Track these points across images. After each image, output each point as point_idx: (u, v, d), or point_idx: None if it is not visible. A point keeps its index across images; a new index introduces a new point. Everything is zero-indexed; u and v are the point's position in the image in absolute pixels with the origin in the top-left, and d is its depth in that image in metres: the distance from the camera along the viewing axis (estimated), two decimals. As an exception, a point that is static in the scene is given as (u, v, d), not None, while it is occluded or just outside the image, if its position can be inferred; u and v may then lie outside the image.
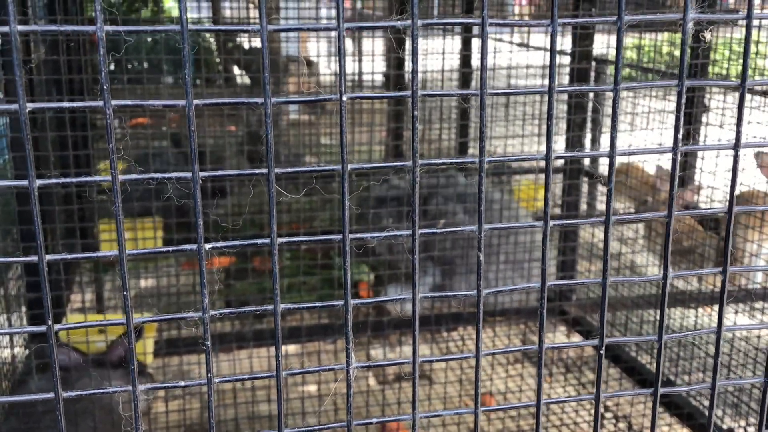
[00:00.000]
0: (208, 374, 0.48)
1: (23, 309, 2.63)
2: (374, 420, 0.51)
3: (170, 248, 0.46)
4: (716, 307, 2.67)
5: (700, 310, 2.88)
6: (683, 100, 0.48)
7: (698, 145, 0.51)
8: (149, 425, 2.37)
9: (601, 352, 0.53)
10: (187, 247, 0.46)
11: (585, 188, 4.18)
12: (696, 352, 2.73)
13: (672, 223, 0.50)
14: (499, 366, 2.97)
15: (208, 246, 0.46)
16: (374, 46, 4.05)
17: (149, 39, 6.00)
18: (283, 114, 5.20)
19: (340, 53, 0.45)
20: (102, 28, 0.42)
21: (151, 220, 3.22)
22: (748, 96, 2.59)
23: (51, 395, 0.47)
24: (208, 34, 6.12)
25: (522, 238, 3.09)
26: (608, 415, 2.85)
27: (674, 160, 0.49)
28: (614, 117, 0.48)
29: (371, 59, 3.52)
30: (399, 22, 0.45)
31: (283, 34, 5.25)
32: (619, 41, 0.47)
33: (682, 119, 0.49)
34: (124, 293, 0.45)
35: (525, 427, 2.71)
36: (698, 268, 3.18)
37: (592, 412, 2.82)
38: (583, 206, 4.33)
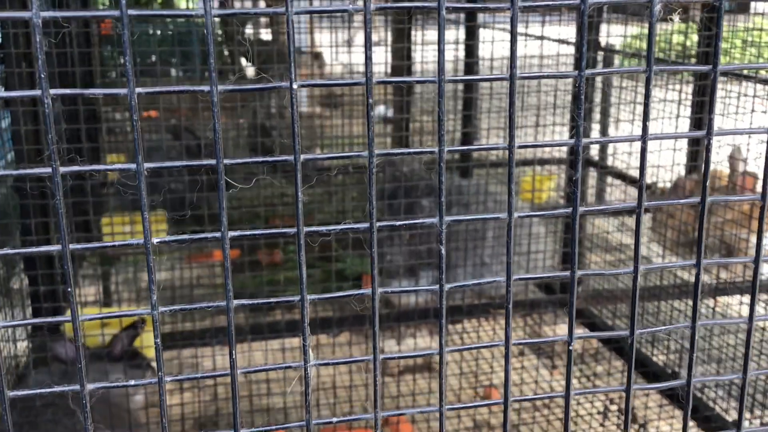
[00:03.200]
0: (159, 373, 0.46)
1: (25, 303, 2.63)
2: (333, 420, 0.49)
3: (115, 243, 0.45)
4: (723, 299, 2.64)
5: (706, 301, 2.85)
6: (651, 86, 0.46)
7: (668, 133, 0.49)
8: (147, 418, 2.37)
9: (571, 348, 0.51)
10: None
11: (592, 180, 4.15)
12: (701, 344, 2.71)
13: (642, 213, 0.48)
14: (502, 358, 2.95)
15: (155, 240, 0.45)
16: (378, 36, 4.03)
17: (158, 32, 5.99)
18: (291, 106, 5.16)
19: (290, 38, 0.43)
20: (38, 14, 0.40)
21: (154, 214, 3.21)
22: (756, 86, 2.54)
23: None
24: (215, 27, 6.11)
25: (526, 230, 3.07)
26: (613, 407, 2.83)
27: (643, 149, 0.47)
28: (579, 104, 0.46)
29: (379, 49, 3.49)
30: (351, 6, 0.44)
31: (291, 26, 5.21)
32: (583, 24, 0.45)
33: (650, 105, 0.47)
34: (69, 289, 0.43)
35: (528, 419, 2.69)
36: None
37: (596, 404, 2.80)
38: (590, 198, 4.29)
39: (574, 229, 0.49)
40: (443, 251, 0.48)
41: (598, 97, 3.91)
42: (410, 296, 2.98)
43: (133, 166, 0.43)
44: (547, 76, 0.47)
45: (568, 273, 0.51)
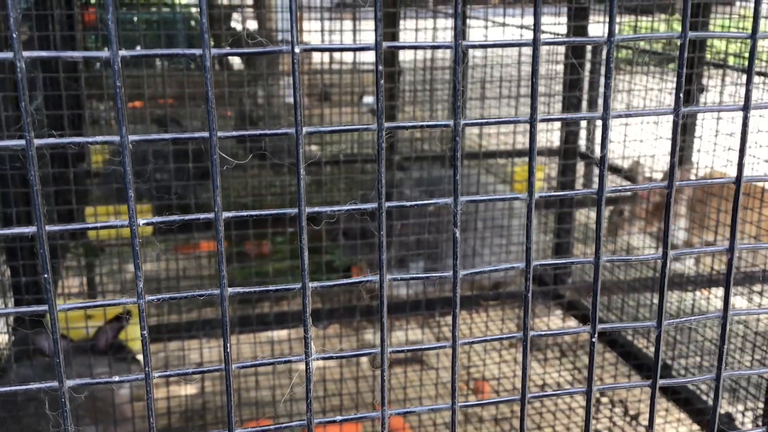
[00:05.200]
0: (146, 368, 0.42)
1: (7, 294, 2.57)
2: (338, 418, 0.45)
3: (97, 225, 0.40)
4: (714, 290, 2.62)
5: (698, 292, 2.83)
6: (686, 54, 0.43)
7: (702, 107, 0.45)
8: (133, 412, 2.32)
9: (593, 339, 0.47)
10: (112, 223, 0.40)
11: (581, 170, 4.12)
12: (693, 336, 2.68)
13: (673, 193, 0.44)
14: (493, 351, 2.92)
15: (142, 222, 0.40)
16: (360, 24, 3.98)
17: (143, 24, 5.93)
18: (278, 96, 5.12)
19: (292, 6, 0.39)
20: (9, -35, 0.36)
21: (139, 204, 3.16)
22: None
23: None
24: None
25: (516, 222, 3.03)
26: (604, 399, 2.81)
27: (675, 123, 0.44)
28: (608, 73, 0.42)
29: (367, 36, 3.44)
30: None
31: (278, 15, 5.18)
32: (614, -15, 0.41)
33: (684, 76, 0.43)
34: (45, 275, 0.39)
35: (519, 411, 2.66)
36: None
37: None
38: (579, 188, 4.26)
39: (599, 211, 0.45)
40: (458, 234, 0.43)
41: (587, 91, 3.88)
42: (400, 288, 2.94)
43: (116, 138, 0.39)
44: (574, 42, 0.43)
45: (592, 260, 0.47)
